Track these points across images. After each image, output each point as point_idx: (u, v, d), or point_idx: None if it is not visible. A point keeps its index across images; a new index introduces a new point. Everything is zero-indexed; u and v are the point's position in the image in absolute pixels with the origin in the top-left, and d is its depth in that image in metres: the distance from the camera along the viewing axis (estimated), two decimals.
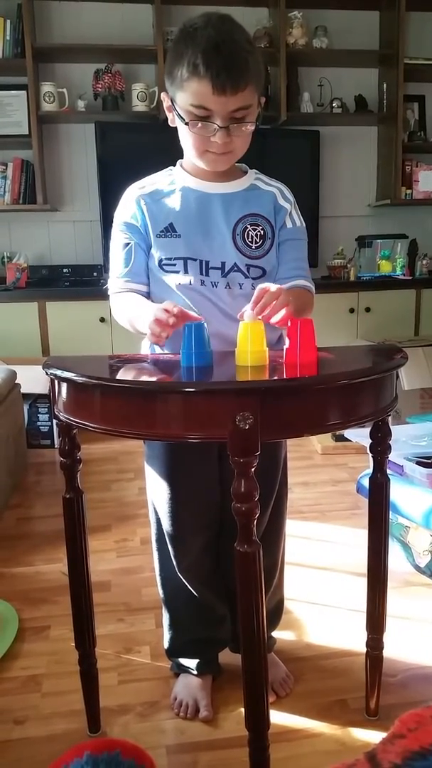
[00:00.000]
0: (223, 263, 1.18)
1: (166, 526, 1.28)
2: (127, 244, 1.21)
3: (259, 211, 1.21)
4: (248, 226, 1.19)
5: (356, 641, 1.42)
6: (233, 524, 0.89)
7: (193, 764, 1.18)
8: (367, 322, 3.59)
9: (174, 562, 1.30)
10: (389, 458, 1.18)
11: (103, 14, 3.51)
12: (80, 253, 3.70)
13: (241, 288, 1.18)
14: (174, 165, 1.24)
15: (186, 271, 1.17)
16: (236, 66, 1.03)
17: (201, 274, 1.17)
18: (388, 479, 1.17)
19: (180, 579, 1.31)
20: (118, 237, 1.22)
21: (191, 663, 1.36)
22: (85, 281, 3.46)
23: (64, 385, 1.00)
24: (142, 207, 1.20)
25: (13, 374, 2.73)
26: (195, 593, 1.32)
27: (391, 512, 1.42)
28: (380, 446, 1.15)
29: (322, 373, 0.94)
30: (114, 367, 1.14)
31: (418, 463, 1.82)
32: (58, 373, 0.97)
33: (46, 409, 3.13)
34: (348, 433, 2.18)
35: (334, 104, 3.70)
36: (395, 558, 1.77)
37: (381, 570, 1.20)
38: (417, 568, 1.78)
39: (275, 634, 1.47)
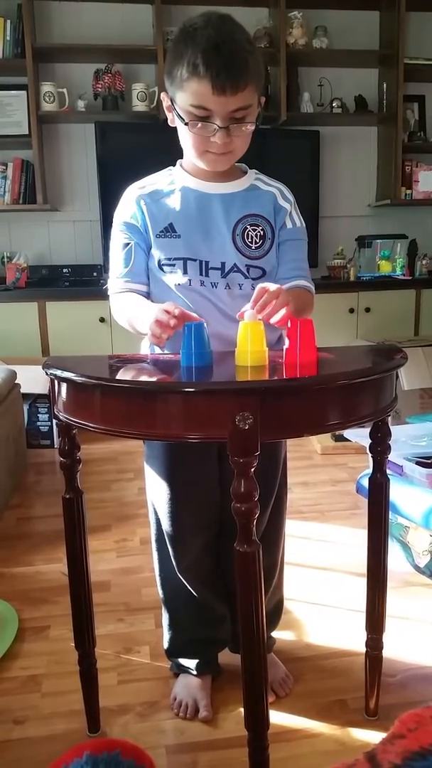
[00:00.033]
0: (223, 264, 1.17)
1: (166, 526, 1.28)
2: (127, 244, 1.21)
3: (259, 212, 1.20)
4: (248, 227, 1.19)
5: (356, 641, 1.42)
6: (233, 524, 0.89)
7: (192, 764, 1.18)
8: (367, 322, 3.59)
9: (174, 562, 1.30)
10: (389, 458, 1.18)
11: (103, 14, 3.51)
12: (80, 253, 3.70)
13: (240, 288, 1.17)
14: (174, 165, 1.24)
15: (186, 272, 1.17)
16: (236, 66, 1.03)
17: (201, 274, 1.17)
18: (388, 479, 1.17)
19: (180, 579, 1.31)
20: (118, 237, 1.22)
21: (191, 663, 1.36)
22: (85, 281, 3.46)
23: (64, 385, 1.00)
24: (142, 207, 1.19)
25: (13, 374, 2.73)
26: (195, 593, 1.32)
27: (390, 512, 1.42)
28: (380, 446, 1.15)
29: (322, 373, 0.94)
30: (114, 367, 1.14)
31: (417, 463, 1.82)
32: (58, 373, 0.97)
33: (46, 409, 3.13)
34: (348, 433, 2.18)
35: (334, 104, 3.70)
36: (395, 558, 1.77)
37: (381, 570, 1.20)
38: (417, 568, 1.78)
39: (275, 634, 1.47)
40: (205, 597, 1.33)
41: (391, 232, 3.83)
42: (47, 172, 3.56)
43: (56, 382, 1.01)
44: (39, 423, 3.15)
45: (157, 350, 1.21)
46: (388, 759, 0.62)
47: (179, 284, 1.18)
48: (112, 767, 0.76)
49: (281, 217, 1.22)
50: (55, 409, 1.04)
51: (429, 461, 1.83)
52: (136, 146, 3.21)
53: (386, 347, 1.30)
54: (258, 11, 3.56)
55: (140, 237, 1.20)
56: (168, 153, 1.30)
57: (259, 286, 1.02)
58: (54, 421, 1.39)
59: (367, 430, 1.15)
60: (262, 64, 1.11)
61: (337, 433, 2.73)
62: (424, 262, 3.78)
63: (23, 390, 2.86)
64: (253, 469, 0.86)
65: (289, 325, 0.97)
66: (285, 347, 0.97)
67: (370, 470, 1.20)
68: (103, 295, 1.41)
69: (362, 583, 1.24)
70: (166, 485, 1.26)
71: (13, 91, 3.42)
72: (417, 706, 0.70)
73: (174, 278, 1.18)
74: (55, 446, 2.96)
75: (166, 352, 1.18)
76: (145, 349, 1.27)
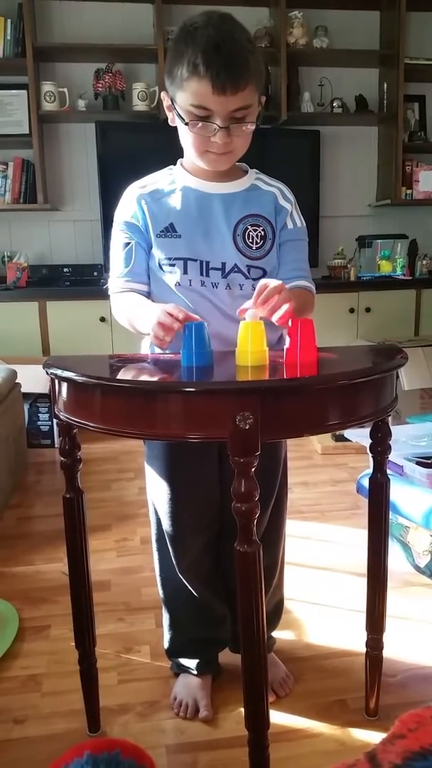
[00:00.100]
0: (224, 264, 1.17)
1: (166, 526, 1.28)
2: (128, 243, 1.20)
3: (260, 212, 1.20)
4: (249, 227, 1.19)
5: (356, 641, 1.42)
6: (233, 524, 0.89)
7: (192, 764, 1.18)
8: (367, 322, 3.59)
9: (174, 562, 1.30)
10: (389, 458, 1.18)
11: (103, 14, 3.51)
12: (80, 252, 3.70)
13: (241, 289, 1.17)
14: (174, 164, 1.24)
15: (186, 272, 1.17)
16: (236, 65, 1.03)
17: (201, 274, 1.17)
18: (388, 479, 1.17)
19: (180, 579, 1.31)
20: (119, 236, 1.22)
21: (191, 663, 1.36)
22: (85, 281, 3.46)
23: (64, 385, 1.00)
24: (142, 206, 1.19)
25: (14, 374, 2.73)
26: (195, 593, 1.32)
27: (391, 512, 1.42)
28: (380, 446, 1.15)
29: (322, 373, 0.94)
30: (114, 366, 1.14)
31: (418, 463, 1.82)
32: (59, 372, 0.97)
33: (47, 408, 3.13)
34: (348, 433, 2.18)
35: (334, 104, 3.70)
36: (395, 558, 1.77)
37: (381, 570, 1.20)
38: (417, 568, 1.78)
39: (275, 634, 1.47)
40: (205, 597, 1.33)
41: (391, 232, 3.83)
42: (48, 171, 3.56)
43: (57, 381, 1.01)
44: (39, 422, 3.15)
45: (158, 350, 1.21)
46: (388, 759, 0.62)
47: (179, 284, 1.17)
48: (113, 767, 0.76)
49: (282, 218, 1.22)
50: (56, 409, 1.04)
51: (429, 461, 1.83)
52: (136, 146, 3.22)
53: (386, 347, 1.30)
54: (258, 11, 3.56)
55: (141, 236, 1.20)
56: (168, 152, 1.30)
57: (261, 282, 1.02)
58: (54, 420, 1.39)
59: (367, 430, 1.15)
60: (262, 64, 1.11)
61: (337, 433, 2.73)
62: (424, 262, 3.78)
63: (24, 389, 2.86)
64: (253, 469, 0.86)
65: (289, 324, 0.97)
66: (285, 347, 0.97)
67: (370, 470, 1.20)
68: (103, 295, 1.41)
69: (362, 583, 1.24)
70: (167, 485, 1.26)
71: (13, 91, 3.42)
72: (417, 706, 0.70)
73: (174, 278, 1.18)
74: (56, 446, 2.97)
75: (166, 351, 1.18)
76: (146, 348, 1.27)
